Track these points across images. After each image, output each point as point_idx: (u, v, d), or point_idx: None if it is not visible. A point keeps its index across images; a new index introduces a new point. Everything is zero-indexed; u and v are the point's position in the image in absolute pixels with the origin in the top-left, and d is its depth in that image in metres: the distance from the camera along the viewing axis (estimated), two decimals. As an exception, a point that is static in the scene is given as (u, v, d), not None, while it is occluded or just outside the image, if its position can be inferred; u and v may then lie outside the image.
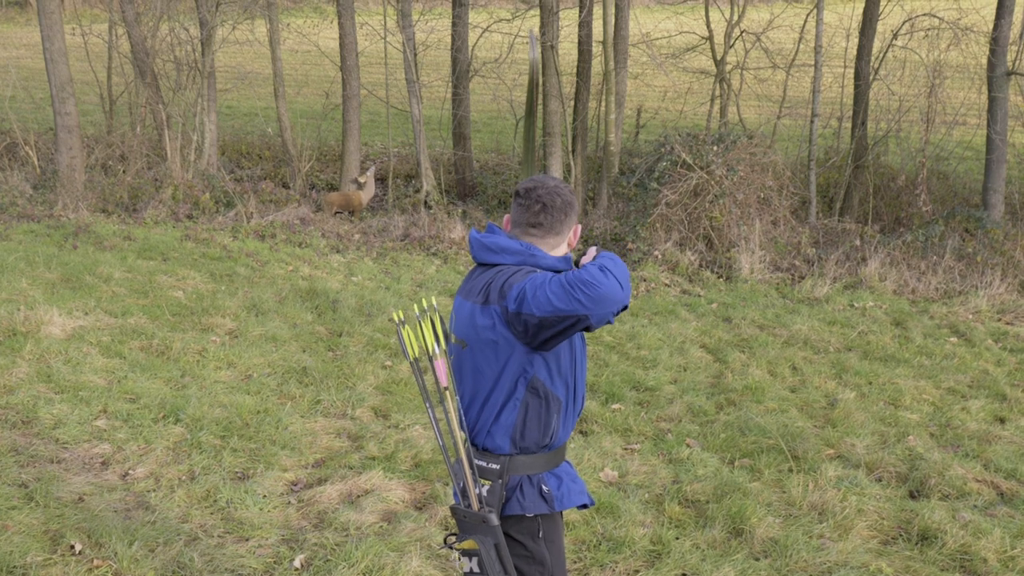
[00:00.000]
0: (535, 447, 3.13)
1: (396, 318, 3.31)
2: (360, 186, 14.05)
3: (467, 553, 3.14)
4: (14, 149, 16.09)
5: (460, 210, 13.78)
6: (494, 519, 3.10)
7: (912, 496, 5.84)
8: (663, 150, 11.67)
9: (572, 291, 2.77)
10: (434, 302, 3.27)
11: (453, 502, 3.26)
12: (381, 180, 15.73)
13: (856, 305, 10.03)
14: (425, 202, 14.06)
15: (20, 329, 7.90)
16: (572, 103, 14.36)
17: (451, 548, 3.21)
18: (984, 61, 12.62)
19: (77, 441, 6.10)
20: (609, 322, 2.84)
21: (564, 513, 5.27)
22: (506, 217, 3.25)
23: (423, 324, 3.18)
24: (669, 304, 9.99)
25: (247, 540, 4.97)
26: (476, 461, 3.18)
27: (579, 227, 3.26)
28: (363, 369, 7.58)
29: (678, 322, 9.37)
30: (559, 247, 3.18)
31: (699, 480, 5.84)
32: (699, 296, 10.41)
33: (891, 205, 12.94)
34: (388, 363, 7.82)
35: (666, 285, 10.73)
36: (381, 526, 5.16)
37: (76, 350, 7.58)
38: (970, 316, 9.74)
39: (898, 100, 13.98)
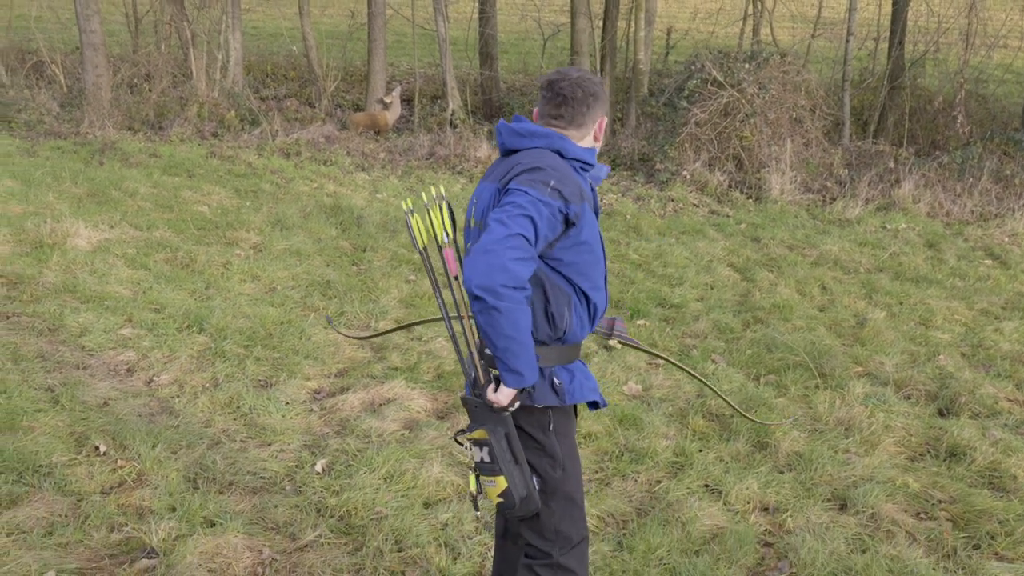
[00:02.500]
0: (547, 338, 3.04)
1: (405, 207, 3.25)
2: (386, 106, 13.91)
3: (477, 443, 3.07)
4: (41, 68, 16.04)
5: (486, 129, 13.63)
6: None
7: (941, 414, 5.76)
8: (693, 68, 11.45)
9: (475, 251, 2.71)
10: (442, 190, 3.21)
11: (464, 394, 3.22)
12: (407, 100, 15.57)
13: (888, 227, 9.87)
14: (451, 122, 13.91)
15: (47, 241, 7.91)
16: (601, 21, 14.09)
17: (460, 441, 3.17)
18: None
19: (103, 348, 6.11)
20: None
21: (585, 424, 5.25)
22: (535, 110, 3.16)
23: (431, 212, 3.13)
24: (697, 224, 9.87)
25: (269, 445, 4.98)
26: (486, 351, 3.09)
27: (605, 120, 3.15)
28: (386, 283, 7.54)
29: (706, 241, 9.25)
30: (584, 139, 3.09)
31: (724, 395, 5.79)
32: (728, 216, 10.27)
33: (927, 128, 12.68)
34: (412, 278, 7.77)
35: (694, 205, 10.60)
36: (403, 434, 5.15)
37: (102, 261, 7.58)
38: (1006, 239, 9.56)
39: (937, 20, 13.62)
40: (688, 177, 11.05)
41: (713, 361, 6.36)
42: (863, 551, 4.25)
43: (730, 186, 11.00)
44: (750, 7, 13.70)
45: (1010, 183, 10.49)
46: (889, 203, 10.41)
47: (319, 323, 6.70)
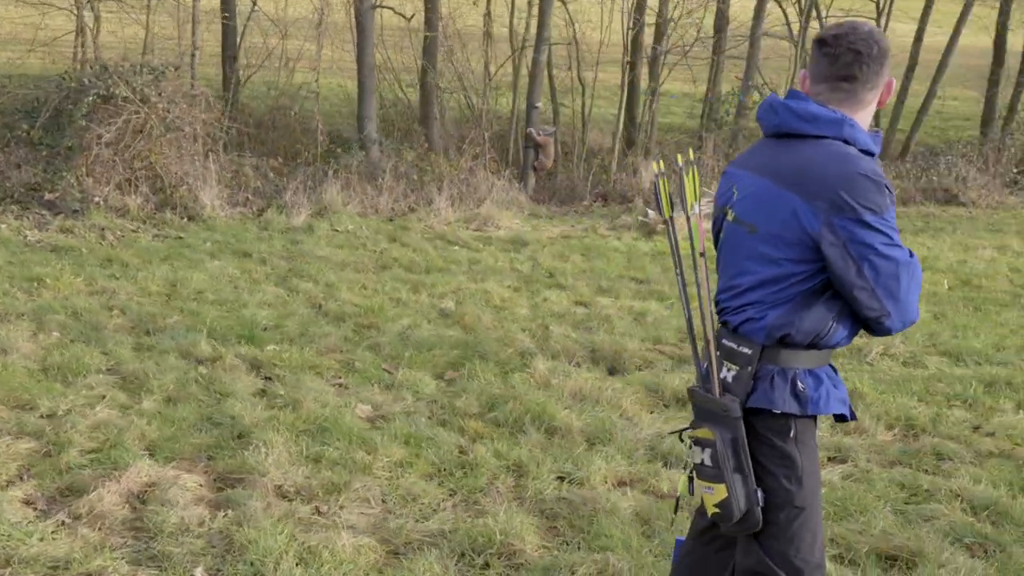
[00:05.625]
0: (803, 340, 2.74)
1: (656, 168, 2.91)
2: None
3: (700, 442, 2.84)
4: None
5: None
6: (736, 410, 2.76)
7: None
8: (88, 83, 10.25)
9: (895, 292, 2.63)
10: (691, 156, 2.93)
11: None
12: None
13: (339, 228, 10.13)
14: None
15: None
16: None
17: (683, 438, 2.95)
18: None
19: None
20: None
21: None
22: (802, 74, 2.83)
23: (686, 177, 2.85)
24: (166, 248, 9.00)
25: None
26: (725, 342, 2.85)
27: (892, 81, 2.82)
28: None
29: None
30: (870, 106, 2.80)
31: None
32: (178, 238, 9.48)
33: (288, 139, 13.06)
34: None
35: (133, 231, 9.58)
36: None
37: None
38: (421, 225, 10.48)
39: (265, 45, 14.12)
40: (102, 204, 9.91)
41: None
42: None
43: (157, 207, 10.15)
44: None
45: (410, 179, 11.44)
46: (323, 208, 10.62)
47: None
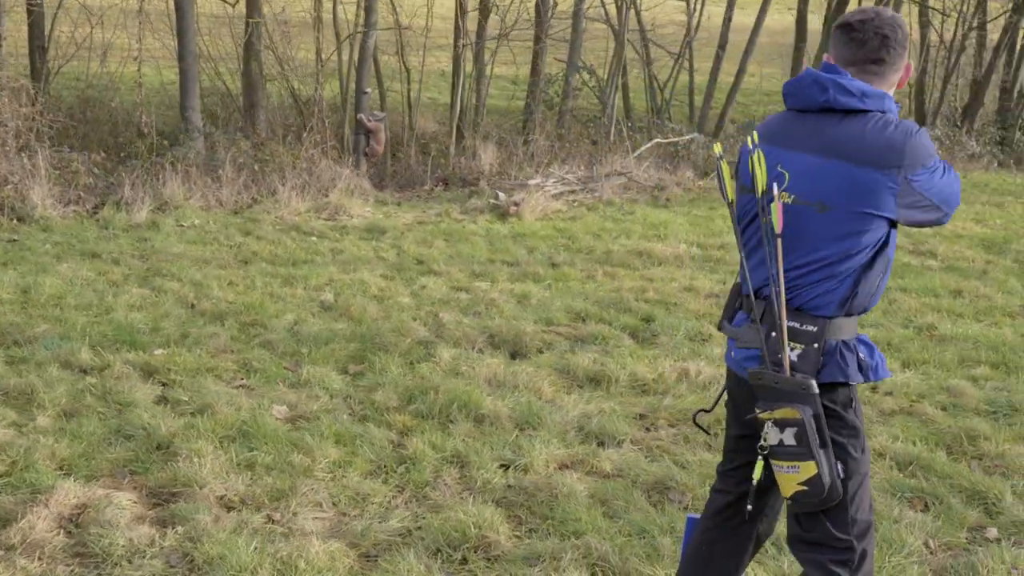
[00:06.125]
0: (857, 310, 2.87)
1: (716, 151, 2.90)
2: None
3: (779, 423, 2.80)
4: None
5: None
6: (814, 386, 2.78)
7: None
8: None
9: (953, 200, 2.85)
10: (755, 138, 2.90)
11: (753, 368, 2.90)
12: None
13: (185, 223, 9.65)
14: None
15: None
16: None
17: (761, 418, 2.85)
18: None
19: None
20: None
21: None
22: (825, 57, 2.89)
23: (755, 160, 2.84)
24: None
25: None
26: (789, 323, 2.85)
27: (911, 64, 2.96)
28: None
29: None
30: (893, 88, 2.90)
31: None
32: (11, 241, 8.77)
33: (111, 134, 12.31)
34: None
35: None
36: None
37: None
38: (269, 216, 10.16)
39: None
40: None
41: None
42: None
43: (-17, 209, 9.37)
44: None
45: (251, 169, 11.02)
46: (163, 203, 10.09)
47: None
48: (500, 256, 9.03)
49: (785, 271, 2.83)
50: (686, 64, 17.62)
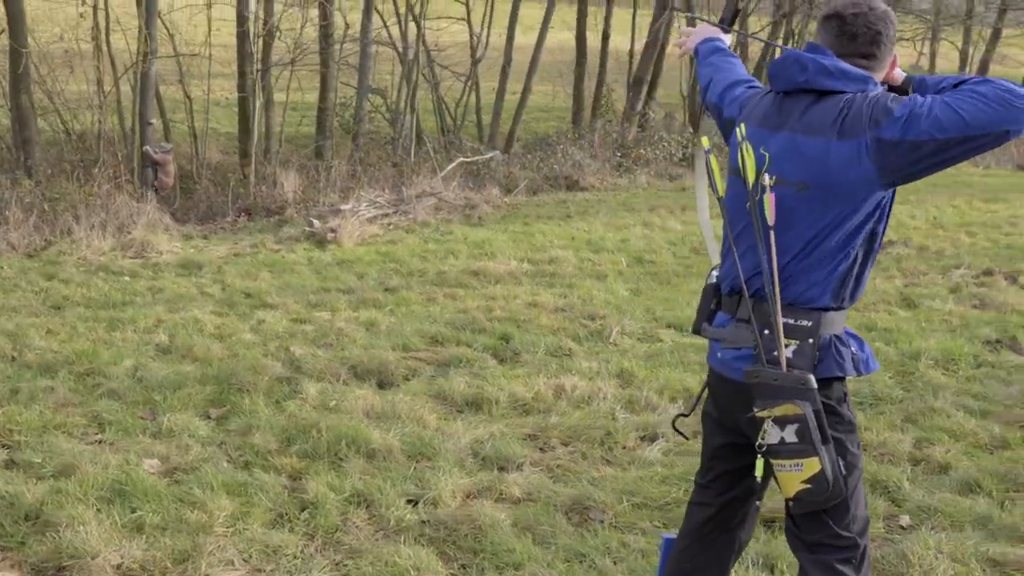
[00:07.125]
0: (847, 302, 2.80)
1: (705, 144, 2.82)
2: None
3: (780, 420, 2.70)
4: None
5: None
6: (813, 381, 2.68)
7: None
8: None
9: (1000, 100, 2.49)
10: (744, 130, 2.83)
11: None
12: None
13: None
14: None
15: None
16: None
17: (759, 416, 2.74)
18: None
19: None
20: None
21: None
22: (809, 46, 2.79)
23: (743, 151, 2.78)
24: None
25: None
26: (784, 319, 2.76)
27: (897, 56, 2.86)
28: None
29: None
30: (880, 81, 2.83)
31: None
32: None
33: None
34: None
35: None
36: None
37: None
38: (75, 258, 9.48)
39: None
40: None
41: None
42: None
43: None
44: None
45: (39, 210, 10.21)
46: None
47: None
48: (332, 284, 8.72)
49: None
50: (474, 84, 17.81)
